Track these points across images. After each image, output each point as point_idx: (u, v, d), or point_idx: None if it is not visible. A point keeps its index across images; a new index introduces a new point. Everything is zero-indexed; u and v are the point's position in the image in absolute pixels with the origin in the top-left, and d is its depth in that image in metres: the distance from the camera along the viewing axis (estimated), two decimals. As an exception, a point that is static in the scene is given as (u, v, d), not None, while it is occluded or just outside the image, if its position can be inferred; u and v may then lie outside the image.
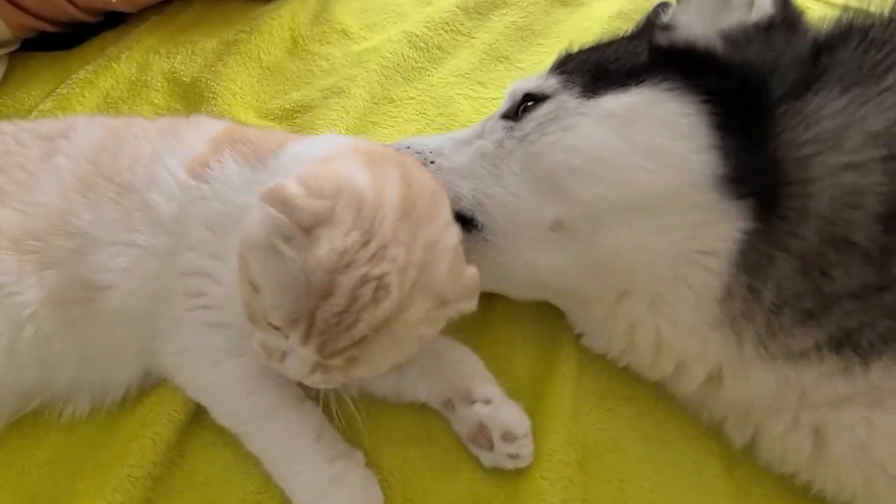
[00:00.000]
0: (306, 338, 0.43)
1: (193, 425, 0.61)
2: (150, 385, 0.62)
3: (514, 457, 0.56)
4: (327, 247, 0.41)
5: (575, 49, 0.66)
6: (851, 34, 0.53)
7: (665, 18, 0.63)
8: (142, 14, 1.07)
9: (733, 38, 0.55)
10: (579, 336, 0.65)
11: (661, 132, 0.50)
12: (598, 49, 0.63)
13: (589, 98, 0.55)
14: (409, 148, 0.63)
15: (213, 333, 0.55)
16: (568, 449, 0.59)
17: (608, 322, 0.59)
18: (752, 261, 0.48)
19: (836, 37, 0.53)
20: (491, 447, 0.56)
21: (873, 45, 0.50)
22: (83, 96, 0.92)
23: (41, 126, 0.64)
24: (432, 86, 1.00)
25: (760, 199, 0.48)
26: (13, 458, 0.60)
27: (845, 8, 0.56)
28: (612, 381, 0.65)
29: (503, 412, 0.56)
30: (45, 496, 0.57)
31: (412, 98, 0.98)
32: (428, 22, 1.07)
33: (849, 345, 0.46)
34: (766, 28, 0.54)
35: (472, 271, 0.50)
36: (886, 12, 0.54)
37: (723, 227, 0.49)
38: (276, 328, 0.44)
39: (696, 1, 0.59)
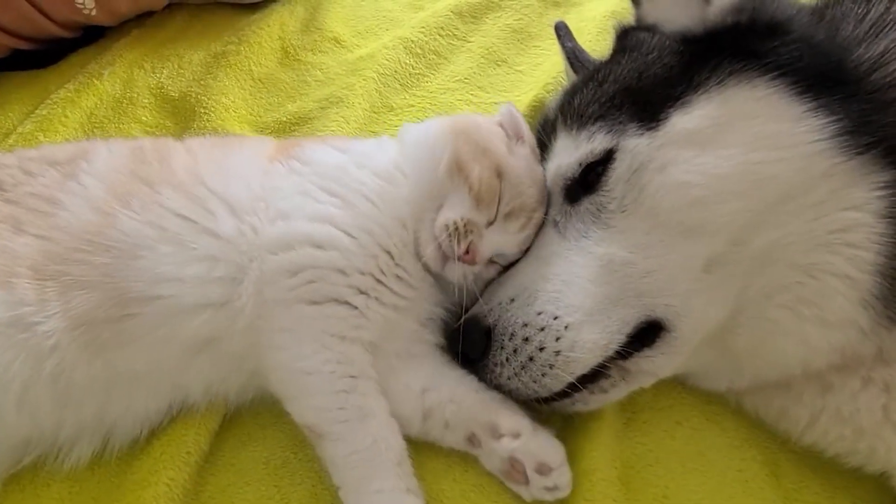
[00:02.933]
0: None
1: (210, 465, 0.57)
2: (162, 425, 0.58)
3: (552, 489, 0.53)
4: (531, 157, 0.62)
5: (564, 100, 0.62)
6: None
7: (643, 21, 0.62)
8: (122, 27, 1.02)
9: (739, 8, 0.53)
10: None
11: (754, 123, 0.48)
12: (601, 82, 0.58)
13: (654, 129, 0.52)
14: (541, 317, 0.53)
15: (322, 311, 0.53)
16: (608, 466, 0.57)
17: (751, 350, 0.53)
18: None
19: (824, 3, 0.54)
20: (526, 481, 0.53)
21: None
22: (65, 116, 0.87)
23: (49, 152, 0.62)
24: (431, 92, 0.97)
25: (885, 146, 0.45)
26: (13, 514, 0.55)
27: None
28: (645, 392, 0.63)
29: (534, 443, 0.53)
30: (51, 555, 0.53)
31: (412, 105, 0.94)
32: (422, 27, 1.04)
33: None
34: None
35: None
36: None
37: (858, 190, 0.46)
38: (492, 213, 0.57)
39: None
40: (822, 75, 0.47)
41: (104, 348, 0.52)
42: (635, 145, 0.52)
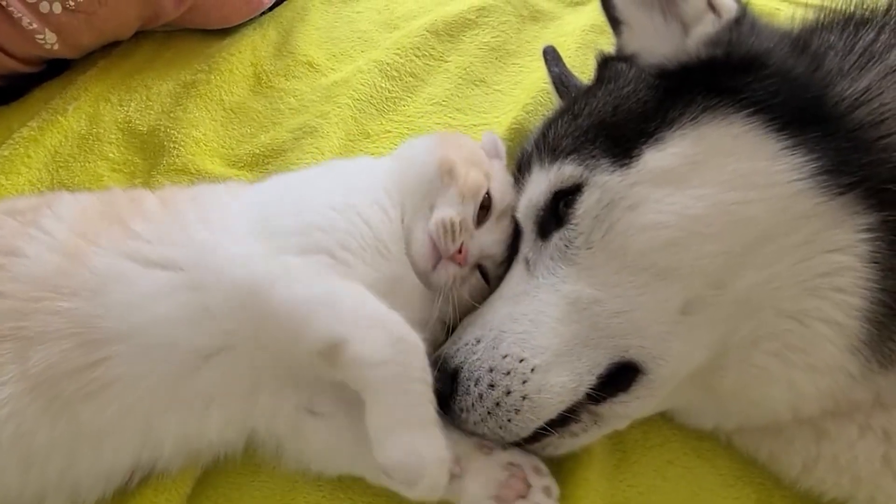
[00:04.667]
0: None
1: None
2: (130, 489, 0.55)
3: (548, 488, 0.52)
4: None
5: (539, 133, 0.61)
6: (827, 25, 0.53)
7: (623, 50, 0.60)
8: (87, 59, 0.98)
9: (716, 41, 0.53)
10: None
11: (729, 161, 0.46)
12: (576, 115, 0.57)
13: (626, 165, 0.50)
14: (507, 360, 0.51)
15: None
16: (600, 514, 0.55)
17: (736, 392, 0.52)
18: (887, 256, 0.43)
19: (809, 30, 0.53)
20: (526, 488, 0.51)
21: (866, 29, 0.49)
22: (28, 157, 0.84)
23: (9, 205, 0.60)
24: (409, 117, 0.94)
25: (866, 187, 0.43)
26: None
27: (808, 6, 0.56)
28: (634, 430, 0.61)
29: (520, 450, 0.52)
30: None
31: (389, 131, 0.92)
32: (398, 49, 1.02)
33: None
34: (737, 22, 0.53)
35: None
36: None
37: (842, 232, 0.44)
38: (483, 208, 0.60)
39: (644, 26, 0.57)
40: (800, 111, 0.46)
41: (68, 404, 0.50)
42: (606, 181, 0.51)
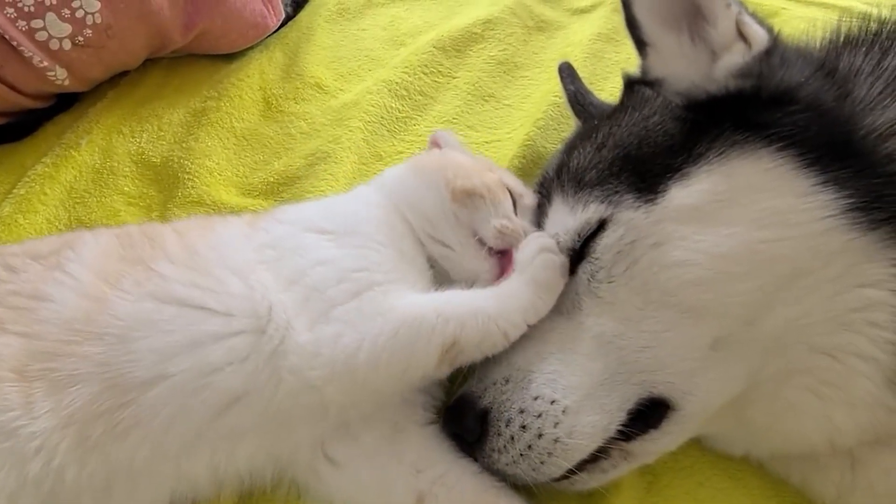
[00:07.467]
0: None
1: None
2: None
3: None
4: None
5: (561, 160, 0.60)
6: (853, 43, 0.52)
7: (648, 73, 0.59)
8: (96, 90, 0.98)
9: (745, 73, 0.52)
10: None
11: (758, 198, 0.46)
12: (600, 145, 0.56)
13: (651, 202, 0.50)
14: (538, 402, 0.51)
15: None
16: (633, 541, 0.56)
17: (770, 424, 0.51)
18: None
19: (835, 49, 0.53)
20: None
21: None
22: (44, 194, 0.84)
23: (32, 247, 0.60)
24: (420, 136, 0.94)
25: None
26: None
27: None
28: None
29: None
30: None
31: (401, 152, 0.92)
32: (406, 66, 1.02)
33: None
34: (767, 54, 0.52)
35: None
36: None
37: (874, 266, 0.44)
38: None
39: (670, 49, 0.56)
40: (830, 146, 0.45)
41: (98, 444, 0.50)
42: (630, 219, 0.50)
